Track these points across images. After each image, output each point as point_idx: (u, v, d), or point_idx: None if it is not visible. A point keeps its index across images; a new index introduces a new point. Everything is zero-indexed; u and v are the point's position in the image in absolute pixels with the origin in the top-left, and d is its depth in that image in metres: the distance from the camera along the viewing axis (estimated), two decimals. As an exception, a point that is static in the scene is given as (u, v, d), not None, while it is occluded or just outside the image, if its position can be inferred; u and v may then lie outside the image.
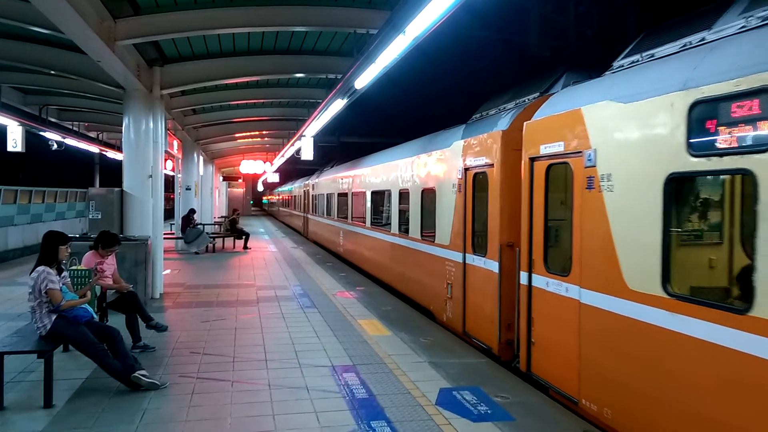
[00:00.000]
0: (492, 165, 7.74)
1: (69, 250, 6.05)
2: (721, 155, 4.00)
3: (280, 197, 53.70)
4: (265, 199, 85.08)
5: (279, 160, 26.88)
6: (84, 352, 5.76)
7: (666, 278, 4.46)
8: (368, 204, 15.33)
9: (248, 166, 30.16)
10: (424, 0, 5.52)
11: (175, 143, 16.01)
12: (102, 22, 8.05)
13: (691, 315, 4.18)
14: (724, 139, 4.02)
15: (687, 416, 4.20)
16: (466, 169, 8.58)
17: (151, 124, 10.82)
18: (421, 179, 10.70)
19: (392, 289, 12.28)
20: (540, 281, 6.38)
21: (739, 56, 4.07)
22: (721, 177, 4.39)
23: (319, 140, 18.54)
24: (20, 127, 15.42)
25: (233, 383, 6.08)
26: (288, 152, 21.86)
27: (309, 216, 28.38)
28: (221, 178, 39.84)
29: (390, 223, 12.95)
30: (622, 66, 5.68)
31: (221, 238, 22.09)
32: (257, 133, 23.38)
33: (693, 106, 4.27)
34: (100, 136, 23.66)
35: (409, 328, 8.60)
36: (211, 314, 9.52)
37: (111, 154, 23.95)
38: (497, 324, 7.41)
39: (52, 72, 11.36)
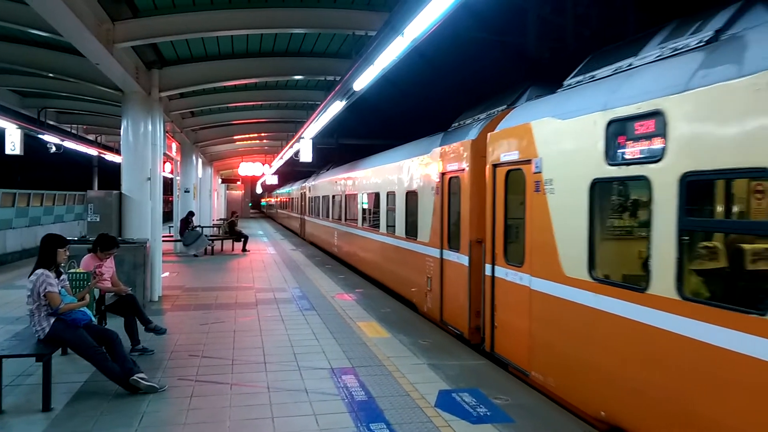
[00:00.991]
0: (463, 170, 8.67)
1: (67, 253, 6.04)
2: (628, 164, 4.99)
3: (278, 200, 54.31)
4: (263, 201, 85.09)
5: (278, 163, 26.88)
6: (83, 355, 5.75)
7: (591, 265, 5.39)
8: (360, 206, 16.16)
9: (247, 168, 30.15)
10: (422, 1, 5.52)
11: (174, 146, 15.98)
12: (100, 25, 8.05)
13: (608, 295, 5.12)
14: (629, 151, 5.01)
15: (610, 380, 5.08)
16: (443, 174, 9.50)
17: (150, 127, 10.81)
18: (406, 182, 11.60)
19: (389, 290, 12.65)
20: (501, 272, 7.33)
21: (644, 83, 4.96)
22: (630, 182, 5.22)
23: (318, 142, 18.53)
24: (19, 130, 15.40)
25: (232, 386, 6.07)
26: (287, 154, 21.85)
27: (305, 218, 29.26)
28: (220, 180, 39.81)
29: (379, 223, 13.79)
30: (570, 85, 6.50)
31: (220, 241, 22.07)
32: (256, 135, 23.38)
33: (609, 124, 5.20)
34: (99, 138, 23.62)
35: (408, 330, 8.59)
36: (210, 317, 9.51)
37: (110, 156, 23.92)
38: (467, 311, 8.36)
39: (51, 75, 11.36)
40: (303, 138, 16.00)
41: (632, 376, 4.83)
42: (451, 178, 9.26)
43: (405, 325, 9.03)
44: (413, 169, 11.18)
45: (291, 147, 19.03)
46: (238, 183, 51.38)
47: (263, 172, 31.40)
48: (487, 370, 6.74)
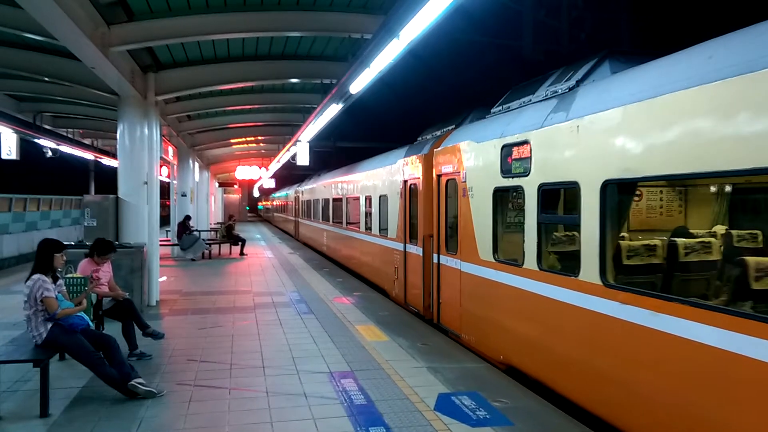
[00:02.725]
0: (418, 179, 10.59)
1: (64, 258, 6.02)
2: (512, 177, 6.93)
3: (274, 203, 55.27)
4: (260, 204, 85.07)
5: (274, 166, 26.86)
6: (80, 360, 5.73)
7: (495, 250, 7.40)
8: (344, 208, 18.12)
9: (244, 171, 30.17)
10: (418, 4, 5.52)
11: (171, 149, 15.93)
12: (96, 29, 8.03)
13: (503, 271, 7.08)
14: (512, 168, 6.94)
15: (506, 333, 7.07)
16: (405, 181, 11.44)
17: (146, 131, 10.79)
18: (379, 188, 13.51)
19: (369, 282, 14.38)
20: (444, 259, 9.24)
21: (523, 120, 6.87)
22: (514, 190, 7.02)
23: (315, 145, 18.64)
24: (15, 135, 15.37)
25: (231, 390, 6.05)
26: (284, 158, 21.84)
27: (299, 220, 31.13)
28: (217, 184, 39.75)
29: (359, 223, 15.70)
30: (493, 113, 8.23)
31: (217, 245, 22.03)
32: (253, 138, 23.38)
33: (503, 148, 7.13)
34: (95, 143, 23.60)
35: (407, 334, 8.58)
36: (208, 321, 9.48)
37: (106, 161, 23.88)
38: (422, 293, 10.21)
39: (46, 79, 11.32)
40: (300, 141, 15.99)
41: (516, 328, 6.83)
42: (410, 185, 11.17)
43: (403, 328, 9.01)
44: (384, 177, 13.10)
45: (288, 150, 19.03)
46: (235, 187, 51.32)
47: (260, 175, 31.40)
48: (486, 374, 6.73)
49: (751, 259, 4.60)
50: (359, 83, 8.61)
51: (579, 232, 5.56)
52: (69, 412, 5.41)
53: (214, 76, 11.52)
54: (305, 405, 5.59)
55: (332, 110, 10.91)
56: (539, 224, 6.30)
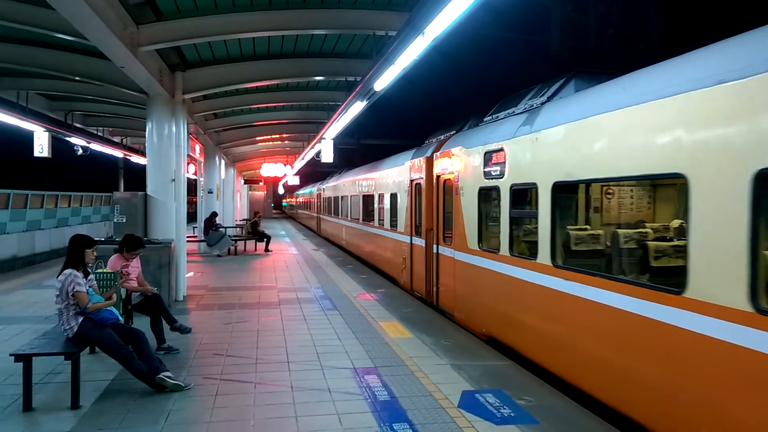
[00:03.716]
0: (422, 179, 11.77)
1: (95, 254, 6.14)
2: (492, 179, 8.16)
3: (298, 200, 56.51)
4: (285, 201, 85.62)
5: (299, 163, 26.99)
6: (110, 353, 5.84)
7: (480, 240, 8.75)
8: (360, 205, 19.55)
9: (269, 169, 30.34)
10: (443, 0, 5.49)
11: (197, 147, 16.15)
12: (125, 29, 8.17)
13: (487, 257, 8.38)
14: (492, 171, 8.22)
15: (488, 310, 8.44)
16: (411, 180, 12.63)
17: (174, 129, 10.94)
18: (390, 186, 14.85)
19: (380, 271, 15.90)
20: (441, 250, 10.50)
21: (501, 130, 8.11)
22: (493, 189, 8.19)
23: (339, 142, 18.70)
24: (46, 133, 15.70)
25: (256, 385, 6.12)
26: (308, 155, 21.93)
27: (321, 216, 32.93)
28: (242, 181, 40.12)
29: (373, 219, 17.05)
30: (485, 121, 9.32)
31: (243, 241, 22.23)
32: (278, 136, 23.51)
33: (485, 154, 8.42)
34: (124, 140, 23.99)
35: (430, 330, 8.57)
36: (234, 316, 9.59)
37: (135, 158, 24.26)
38: (424, 279, 11.48)
39: (77, 78, 11.55)
40: (324, 138, 16.05)
41: (495, 305, 8.20)
42: (416, 184, 12.30)
43: (427, 325, 9.01)
44: (395, 176, 14.41)
45: (312, 148, 19.12)
46: (261, 184, 51.73)
47: (285, 172, 31.58)
48: (510, 371, 6.69)
49: (651, 244, 5.98)
50: (383, 80, 8.61)
51: (537, 224, 6.83)
52: (99, 404, 5.53)
53: (240, 75, 11.63)
54: (329, 400, 5.63)
55: (356, 108, 10.92)
56: (511, 218, 7.66)
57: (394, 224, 14.20)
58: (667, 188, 7.37)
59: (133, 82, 10.00)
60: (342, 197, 23.71)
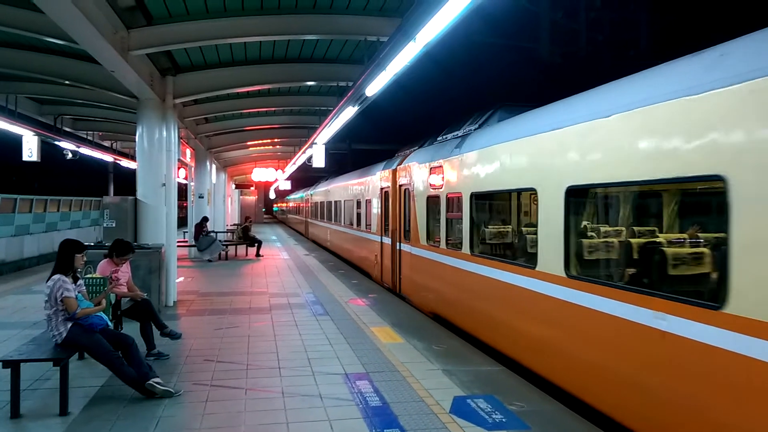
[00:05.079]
0: (389, 187, 13.99)
1: (84, 259, 6.10)
2: (435, 189, 10.17)
3: (289, 205, 57.80)
4: (275, 207, 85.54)
5: (290, 168, 26.95)
6: (99, 359, 5.80)
7: (428, 236, 10.86)
8: (342, 210, 21.66)
9: (260, 173, 30.29)
10: (435, 7, 5.51)
11: (188, 152, 16.10)
12: (116, 33, 8.14)
13: (431, 250, 10.51)
14: (435, 182, 10.30)
15: (435, 293, 10.38)
16: (382, 188, 14.81)
17: (164, 133, 10.90)
18: (365, 193, 17.08)
19: (357, 267, 18.06)
20: (403, 246, 12.57)
21: (441, 151, 10.33)
22: (436, 197, 10.28)
23: (331, 147, 18.83)
24: (35, 137, 15.59)
25: (247, 391, 6.09)
26: (299, 160, 21.93)
27: (308, 220, 35.51)
28: (233, 186, 40.02)
29: (352, 222, 19.29)
30: (437, 142, 11.36)
31: (234, 246, 22.17)
32: (269, 141, 23.47)
33: (431, 169, 10.54)
34: (114, 145, 23.86)
35: (422, 336, 8.57)
36: (225, 322, 9.55)
37: (125, 162, 24.15)
38: (390, 272, 13.63)
39: (67, 82, 11.48)
40: (315, 143, 16.05)
41: (438, 288, 10.32)
42: (384, 192, 14.54)
43: (419, 330, 9.00)
44: (369, 185, 16.57)
45: (303, 153, 19.11)
46: (252, 188, 51.65)
47: (276, 177, 31.53)
48: (502, 377, 6.69)
49: (530, 236, 7.51)
50: (375, 86, 8.62)
51: (462, 223, 9.04)
52: (88, 410, 5.48)
53: (231, 79, 11.61)
54: (321, 406, 5.61)
55: (348, 113, 10.94)
56: (447, 219, 9.88)
57: (368, 226, 16.51)
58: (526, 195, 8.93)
59: (124, 86, 9.97)
60: (326, 203, 26.16)
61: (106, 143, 23.14)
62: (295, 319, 9.82)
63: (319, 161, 17.23)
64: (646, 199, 6.34)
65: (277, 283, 14.22)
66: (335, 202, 23.42)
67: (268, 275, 15.90)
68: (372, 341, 8.24)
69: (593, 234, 6.46)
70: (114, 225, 10.45)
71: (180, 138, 12.61)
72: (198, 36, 8.94)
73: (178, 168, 14.22)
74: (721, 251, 4.27)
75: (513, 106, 8.88)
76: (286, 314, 10.22)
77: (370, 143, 27.69)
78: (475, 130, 9.28)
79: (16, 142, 15.85)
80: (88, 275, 7.14)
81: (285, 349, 7.80)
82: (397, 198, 13.16)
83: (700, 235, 5.48)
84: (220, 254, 20.03)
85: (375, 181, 15.60)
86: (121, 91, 10.55)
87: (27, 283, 14.38)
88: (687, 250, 5.43)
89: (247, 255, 21.81)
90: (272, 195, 62.38)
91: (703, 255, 5.20)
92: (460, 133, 9.98)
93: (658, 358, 4.70)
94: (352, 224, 19.33)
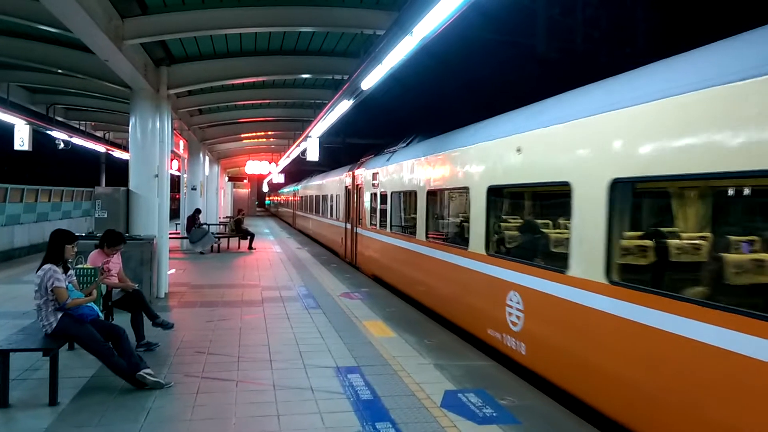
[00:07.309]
0: (350, 185, 17.90)
1: (75, 249, 6.05)
2: (375, 188, 14.60)
3: (281, 198, 59.66)
4: (268, 200, 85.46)
5: (284, 161, 26.89)
6: (89, 350, 5.77)
7: (371, 222, 14.83)
8: (320, 202, 25.51)
9: (253, 166, 30.19)
10: (432, 0, 5.50)
11: (181, 143, 15.99)
12: (110, 21, 8.06)
13: (374, 231, 14.62)
14: (375, 183, 14.55)
15: (377, 262, 14.32)
16: (346, 186, 18.72)
17: (158, 124, 10.84)
18: (335, 189, 21.26)
19: (329, 248, 22.03)
20: (358, 230, 16.35)
21: (379, 161, 14.65)
22: (376, 193, 14.51)
23: (325, 141, 18.95)
24: (27, 126, 15.48)
25: (238, 383, 6.08)
26: (293, 153, 21.89)
27: (295, 212, 39.60)
28: (227, 178, 39.88)
29: (326, 213, 23.48)
30: (383, 153, 15.05)
31: (226, 239, 22.11)
32: (263, 133, 23.42)
33: (373, 173, 14.83)
34: (107, 135, 23.73)
35: (414, 330, 8.58)
36: (216, 314, 9.53)
37: (117, 153, 24.02)
38: (351, 250, 17.47)
39: (60, 71, 11.37)
40: (310, 137, 16.02)
41: (377, 258, 14.09)
42: (347, 189, 18.47)
43: (411, 324, 9.01)
44: (338, 183, 20.60)
45: (298, 146, 19.08)
46: (245, 181, 51.48)
47: (270, 170, 31.44)
48: (492, 371, 6.71)
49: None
50: (371, 80, 8.60)
51: (387, 211, 13.05)
52: (77, 401, 5.45)
53: (226, 71, 11.56)
54: (312, 399, 5.61)
55: (343, 106, 10.91)
56: (382, 209, 13.59)
57: (337, 216, 20.63)
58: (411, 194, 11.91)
59: (117, 76, 9.88)
60: (308, 197, 31.16)
61: (99, 133, 23.00)
62: (287, 312, 9.81)
63: (313, 154, 17.19)
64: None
65: (270, 276, 14.19)
66: (315, 196, 27.63)
67: (261, 268, 15.87)
68: (364, 335, 8.24)
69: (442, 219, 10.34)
70: (106, 215, 10.39)
71: (173, 129, 12.53)
72: (193, 26, 8.89)
73: (171, 159, 14.18)
74: None
75: (429, 133, 11.93)
76: (278, 307, 10.20)
77: (364, 137, 27.76)
78: (402, 147, 13.15)
79: (7, 132, 15.73)
80: (79, 265, 7.10)
81: (276, 341, 7.79)
82: (354, 193, 17.27)
83: None
84: (212, 246, 19.98)
85: (342, 179, 19.74)
86: (115, 81, 10.47)
87: (17, 273, 14.29)
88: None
89: (239, 248, 21.76)
90: (265, 188, 62.20)
91: None
92: (393, 149, 13.83)
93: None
94: (325, 215, 23.85)
